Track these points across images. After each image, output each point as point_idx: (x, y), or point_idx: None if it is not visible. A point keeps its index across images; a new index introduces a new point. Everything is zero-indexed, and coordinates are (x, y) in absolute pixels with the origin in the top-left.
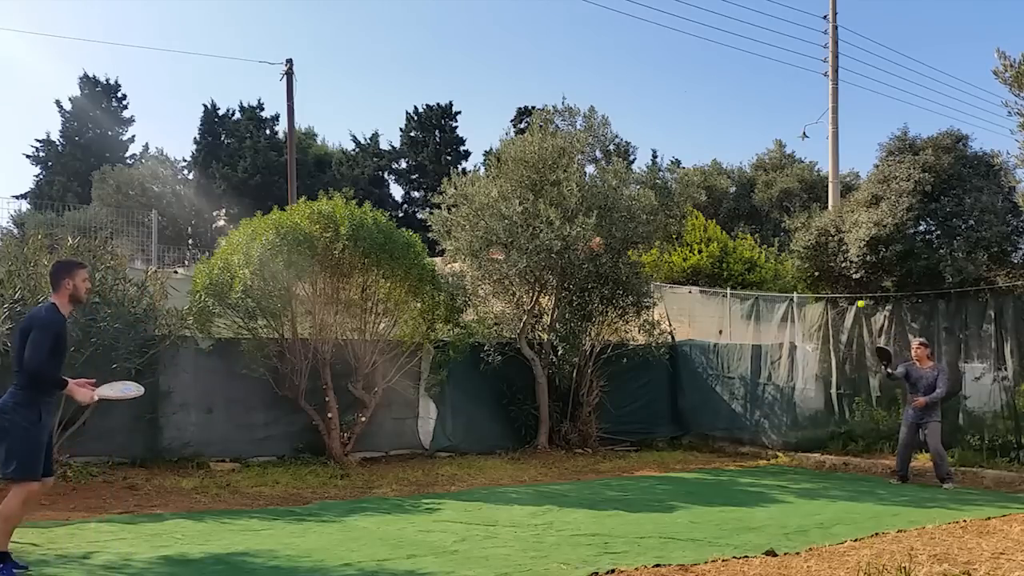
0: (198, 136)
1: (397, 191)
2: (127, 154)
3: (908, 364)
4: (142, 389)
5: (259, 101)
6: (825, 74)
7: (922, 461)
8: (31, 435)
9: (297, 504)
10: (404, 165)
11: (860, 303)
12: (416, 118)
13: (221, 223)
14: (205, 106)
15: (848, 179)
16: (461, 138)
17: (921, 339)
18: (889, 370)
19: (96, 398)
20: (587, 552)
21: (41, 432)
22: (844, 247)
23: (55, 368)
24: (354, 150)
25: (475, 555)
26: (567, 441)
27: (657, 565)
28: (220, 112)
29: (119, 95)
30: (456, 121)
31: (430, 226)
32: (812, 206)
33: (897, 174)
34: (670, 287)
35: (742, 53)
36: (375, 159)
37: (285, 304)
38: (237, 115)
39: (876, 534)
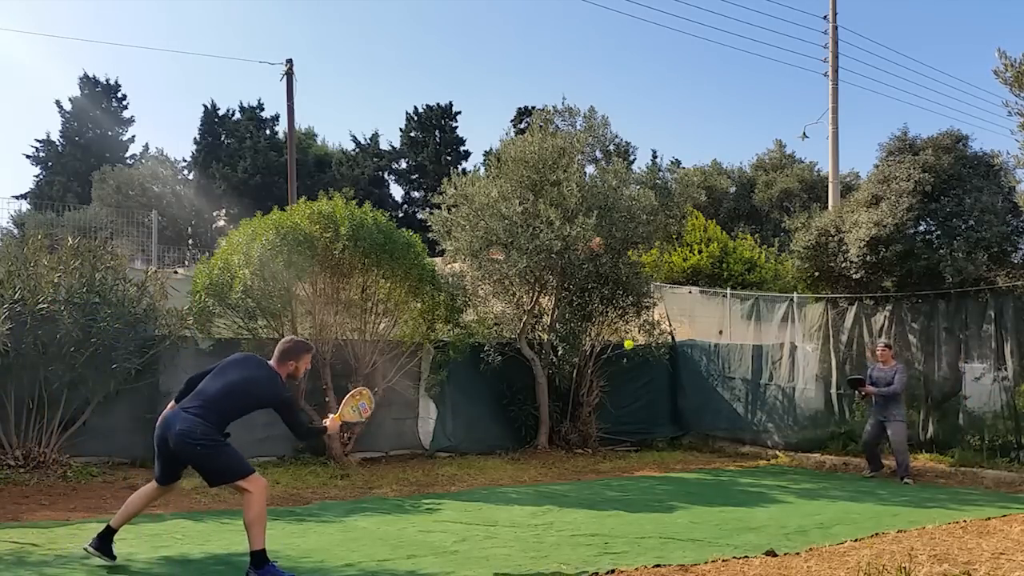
0: (198, 136)
1: (397, 191)
2: (127, 154)
3: (872, 369)
4: (373, 403)
5: (259, 101)
6: (825, 74)
7: (921, 461)
8: (226, 444)
9: (297, 504)
10: (404, 165)
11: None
12: (416, 118)
13: (221, 223)
14: (205, 106)
15: (848, 179)
16: (461, 138)
17: (884, 340)
18: (862, 391)
19: (339, 424)
20: (587, 552)
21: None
22: (844, 247)
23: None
24: (354, 150)
25: (475, 555)
26: (567, 441)
27: (657, 565)
28: (220, 112)
29: (119, 95)
30: (456, 121)
31: (430, 226)
32: (812, 206)
33: (897, 174)
34: (670, 287)
35: (742, 53)
36: (375, 159)
37: (285, 304)
38: (237, 115)
39: (876, 534)
